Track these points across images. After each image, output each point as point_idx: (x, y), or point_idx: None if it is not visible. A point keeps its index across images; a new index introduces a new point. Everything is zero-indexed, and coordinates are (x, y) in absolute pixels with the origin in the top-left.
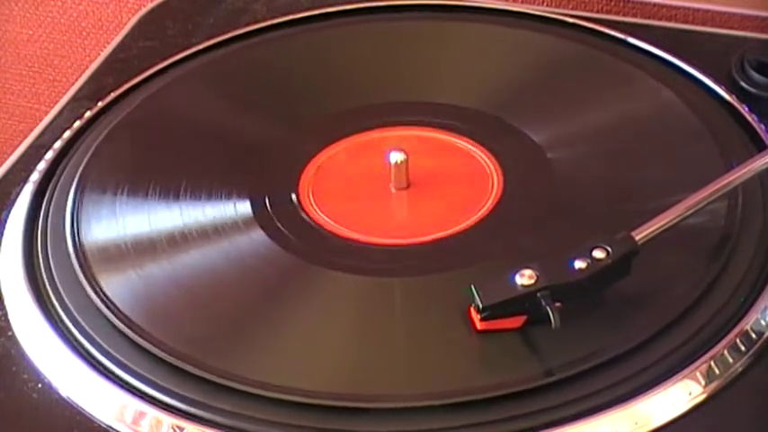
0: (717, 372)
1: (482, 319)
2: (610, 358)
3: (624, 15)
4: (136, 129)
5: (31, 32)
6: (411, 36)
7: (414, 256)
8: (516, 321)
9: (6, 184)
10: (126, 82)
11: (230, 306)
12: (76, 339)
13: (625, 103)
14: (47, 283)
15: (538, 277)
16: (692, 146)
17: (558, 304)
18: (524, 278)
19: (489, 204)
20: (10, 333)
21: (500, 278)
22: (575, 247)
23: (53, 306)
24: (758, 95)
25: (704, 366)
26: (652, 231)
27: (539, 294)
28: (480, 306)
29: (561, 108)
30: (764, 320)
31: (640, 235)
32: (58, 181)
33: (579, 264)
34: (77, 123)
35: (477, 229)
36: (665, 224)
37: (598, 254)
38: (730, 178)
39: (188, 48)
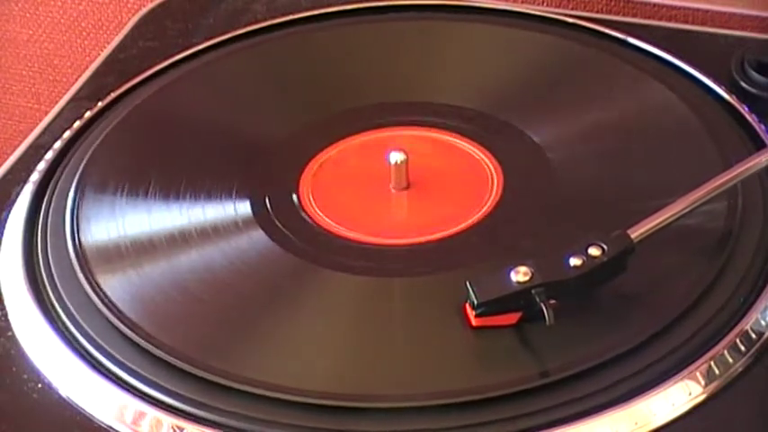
0: (717, 372)
1: (477, 316)
2: (610, 358)
3: (624, 15)
4: (136, 129)
5: (31, 32)
6: (411, 36)
7: (413, 256)
8: (511, 318)
9: (6, 184)
10: (126, 82)
11: (230, 306)
12: (76, 339)
13: (625, 102)
14: (47, 283)
15: (533, 274)
16: (692, 146)
17: (552, 301)
18: (519, 275)
19: (489, 204)
20: (10, 333)
21: (495, 275)
22: (570, 245)
23: (53, 306)
24: (758, 95)
25: (704, 366)
26: (648, 229)
27: (533, 291)
28: (475, 302)
29: (561, 108)
30: (764, 320)
31: (636, 233)
32: (58, 181)
33: (575, 261)
34: (77, 123)
35: (476, 229)
36: (661, 222)
37: (594, 251)
38: (726, 177)
39: (188, 48)
